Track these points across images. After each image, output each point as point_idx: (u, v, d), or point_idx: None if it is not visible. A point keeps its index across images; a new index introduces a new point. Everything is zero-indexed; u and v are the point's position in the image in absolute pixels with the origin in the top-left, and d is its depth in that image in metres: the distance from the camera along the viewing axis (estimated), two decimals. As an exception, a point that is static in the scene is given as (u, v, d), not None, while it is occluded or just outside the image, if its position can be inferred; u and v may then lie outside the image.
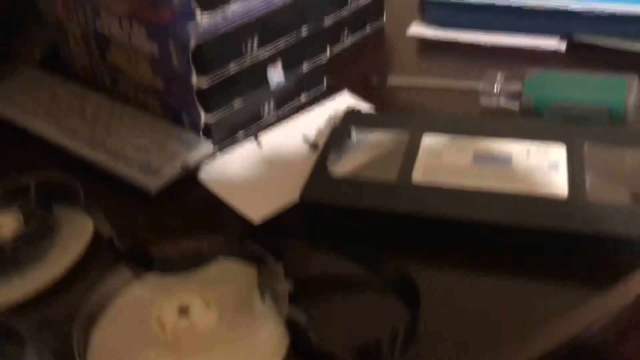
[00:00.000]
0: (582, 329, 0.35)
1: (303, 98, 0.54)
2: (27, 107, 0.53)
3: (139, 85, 0.51)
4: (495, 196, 0.39)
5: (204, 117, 0.47)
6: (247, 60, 0.47)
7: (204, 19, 0.43)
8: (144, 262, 0.37)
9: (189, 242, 0.38)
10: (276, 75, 0.50)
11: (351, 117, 0.48)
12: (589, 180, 0.39)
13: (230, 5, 0.44)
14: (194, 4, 0.42)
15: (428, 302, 0.34)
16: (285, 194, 0.43)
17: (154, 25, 0.45)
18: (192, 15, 0.42)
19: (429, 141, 0.44)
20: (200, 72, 0.44)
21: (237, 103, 0.48)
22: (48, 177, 0.43)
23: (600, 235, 0.36)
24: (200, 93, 0.46)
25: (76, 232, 0.41)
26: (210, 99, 0.46)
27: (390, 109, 0.52)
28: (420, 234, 0.39)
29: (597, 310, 0.35)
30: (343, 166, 0.45)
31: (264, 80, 0.49)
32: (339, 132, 0.46)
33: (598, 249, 0.36)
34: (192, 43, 0.43)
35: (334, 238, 0.38)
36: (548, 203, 0.38)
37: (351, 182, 0.41)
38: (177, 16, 0.43)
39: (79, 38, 0.55)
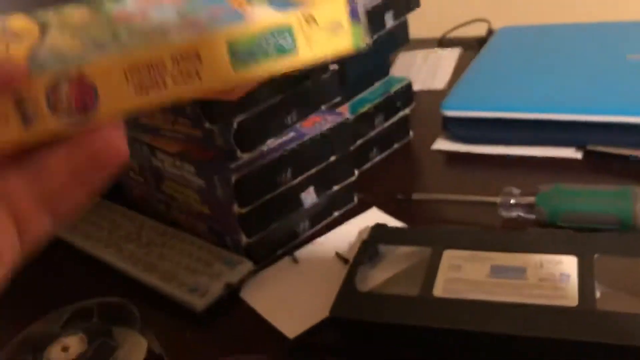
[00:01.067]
0: None
1: (336, 214, 0.59)
2: (91, 234, 0.59)
3: (189, 211, 0.57)
4: (508, 308, 0.42)
5: (244, 239, 0.52)
6: (282, 188, 0.53)
7: (243, 157, 0.49)
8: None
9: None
10: (309, 198, 0.55)
11: (378, 233, 0.52)
12: (598, 289, 0.42)
13: (266, 143, 0.50)
14: (234, 146, 0.48)
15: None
16: (319, 310, 0.47)
17: (202, 163, 0.52)
18: (233, 155, 0.49)
19: (449, 256, 0.48)
20: (241, 201, 0.50)
21: (274, 225, 0.53)
22: (109, 301, 0.49)
23: (607, 344, 0.38)
24: (241, 219, 0.51)
25: (132, 351, 0.46)
26: (249, 223, 0.52)
27: (415, 222, 0.56)
28: (439, 347, 0.42)
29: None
30: (370, 281, 0.49)
31: (298, 203, 0.55)
32: (367, 248, 0.51)
33: (608, 359, 0.39)
34: (233, 178, 0.49)
35: (366, 352, 0.42)
36: (558, 313, 0.41)
37: (376, 297, 0.45)
38: (221, 155, 0.50)
39: (137, 170, 0.62)
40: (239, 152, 0.49)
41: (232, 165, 0.49)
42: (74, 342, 0.45)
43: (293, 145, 0.52)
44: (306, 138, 0.53)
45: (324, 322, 0.46)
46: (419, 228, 0.53)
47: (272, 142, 0.52)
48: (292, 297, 0.50)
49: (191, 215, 0.57)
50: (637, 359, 0.38)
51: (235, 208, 0.50)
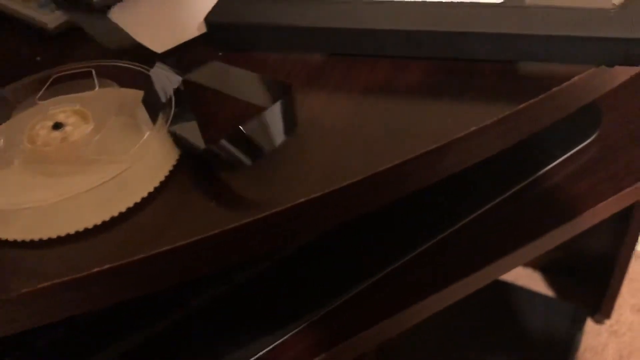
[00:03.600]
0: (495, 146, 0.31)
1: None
2: None
3: None
4: (421, 5, 0.34)
5: (110, -52, 0.42)
6: None
7: None
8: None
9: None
10: None
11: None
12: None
13: None
14: None
15: (344, 113, 0.30)
16: (197, 26, 0.38)
17: None
18: None
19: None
20: None
21: None
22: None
23: (532, 35, 0.31)
24: None
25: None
26: None
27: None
28: (339, 51, 0.35)
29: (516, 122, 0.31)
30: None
31: None
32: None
33: (529, 55, 0.32)
34: None
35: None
36: (481, 8, 0.33)
37: (267, 2, 0.37)
38: None
39: None
40: None
41: None
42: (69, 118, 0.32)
43: None
44: None
45: (199, 37, 0.38)
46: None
47: None
48: (168, 15, 0.41)
49: None
50: (563, 51, 0.31)
51: None
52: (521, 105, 0.30)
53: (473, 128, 0.29)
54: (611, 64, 0.32)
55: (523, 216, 0.45)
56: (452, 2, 0.34)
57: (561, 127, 0.43)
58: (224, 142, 0.27)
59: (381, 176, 0.28)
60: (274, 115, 0.28)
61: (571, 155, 0.47)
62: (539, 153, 0.47)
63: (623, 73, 0.34)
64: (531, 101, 0.30)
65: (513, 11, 0.33)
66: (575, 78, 0.32)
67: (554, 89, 0.31)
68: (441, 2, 0.34)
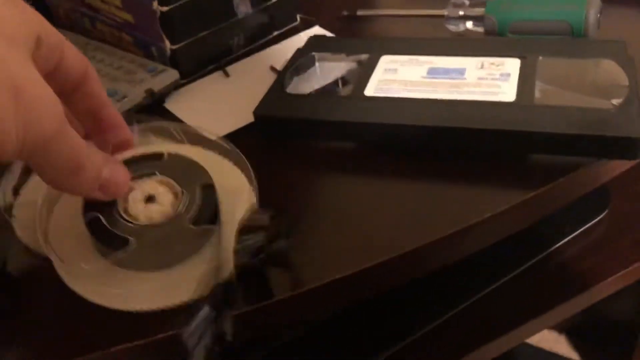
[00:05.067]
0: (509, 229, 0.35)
1: (275, 33, 0.55)
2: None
3: (114, 23, 0.52)
4: (442, 104, 0.39)
5: (169, 45, 0.48)
6: (211, -11, 0.48)
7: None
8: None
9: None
10: (243, 7, 0.51)
11: (315, 43, 0.48)
12: (538, 87, 0.39)
13: None
14: None
15: (359, 204, 0.35)
16: (246, 116, 0.44)
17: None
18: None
19: (387, 60, 0.45)
20: (162, -1, 0.46)
21: (204, 33, 0.49)
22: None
23: (541, 133, 0.36)
24: (164, 20, 0.47)
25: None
26: (173, 26, 0.47)
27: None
28: (368, 142, 0.40)
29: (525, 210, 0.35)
30: (303, 87, 0.45)
31: (231, 11, 0.50)
32: (302, 56, 0.47)
33: (538, 149, 0.37)
34: (151, -32, 0.44)
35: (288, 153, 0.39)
36: (495, 106, 0.38)
37: (304, 98, 0.42)
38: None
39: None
40: (156, -63, 0.44)
41: (150, -45, 0.44)
42: (159, 189, 0.34)
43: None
44: None
45: (249, 126, 0.43)
46: (359, 38, 0.49)
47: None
48: (219, 106, 0.47)
49: (116, 27, 0.53)
50: (569, 146, 0.36)
51: (156, 5, 0.46)
52: (531, 194, 0.34)
53: (488, 214, 0.33)
54: (610, 159, 0.36)
55: (533, 291, 0.48)
56: (472, 101, 0.39)
57: (572, 206, 0.47)
58: None
59: (409, 255, 0.32)
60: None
61: (581, 232, 0.51)
62: (549, 231, 0.51)
63: (625, 164, 0.38)
64: (540, 190, 0.35)
65: (524, 110, 0.37)
66: (580, 169, 0.36)
67: (560, 180, 0.35)
68: (464, 100, 0.39)
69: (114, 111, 0.34)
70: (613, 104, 0.37)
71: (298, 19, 0.56)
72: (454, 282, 0.49)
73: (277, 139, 0.42)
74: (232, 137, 0.42)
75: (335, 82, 0.46)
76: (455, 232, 0.33)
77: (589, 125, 0.35)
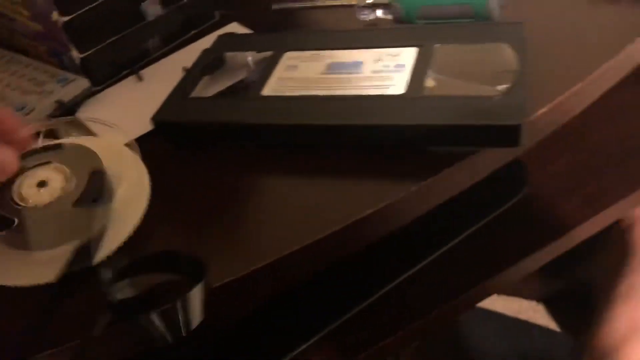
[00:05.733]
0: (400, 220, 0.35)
1: (193, 32, 0.54)
2: None
3: (28, 33, 0.52)
4: (334, 100, 0.39)
5: (76, 54, 0.48)
6: (113, -6, 0.47)
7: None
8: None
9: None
10: (152, 9, 0.50)
11: (224, 42, 0.48)
12: (431, 77, 0.39)
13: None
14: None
15: (266, 200, 0.36)
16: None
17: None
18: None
19: (289, 57, 0.44)
20: (62, 8, 0.45)
21: (113, 38, 0.49)
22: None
23: (427, 125, 0.36)
24: (67, 29, 0.46)
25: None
26: (79, 35, 0.47)
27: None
28: (265, 143, 0.40)
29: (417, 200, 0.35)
30: (210, 89, 0.45)
31: (139, 14, 0.50)
32: (209, 56, 0.47)
33: (426, 141, 0.37)
34: (45, -21, 0.44)
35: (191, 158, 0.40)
36: (382, 100, 0.38)
37: (203, 101, 0.42)
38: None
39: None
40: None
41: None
42: (52, 175, 0.37)
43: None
44: None
45: (151, 132, 0.43)
46: (267, 34, 0.48)
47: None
48: (130, 112, 0.47)
49: (30, 37, 0.52)
50: (454, 137, 0.36)
51: (56, 16, 0.45)
52: (426, 181, 0.35)
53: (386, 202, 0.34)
54: (497, 147, 0.36)
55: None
56: (362, 95, 0.39)
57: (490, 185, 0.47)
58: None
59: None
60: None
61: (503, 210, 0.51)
62: (469, 211, 0.52)
63: (514, 150, 0.38)
64: (435, 177, 0.35)
65: (410, 102, 0.37)
66: (467, 159, 0.36)
67: (456, 164, 0.36)
68: (355, 95, 0.39)
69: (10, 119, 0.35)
70: (498, 91, 0.37)
71: (217, 15, 0.56)
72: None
73: (181, 142, 0.42)
74: (143, 140, 0.42)
75: (241, 82, 0.46)
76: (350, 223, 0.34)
77: (469, 115, 0.35)
